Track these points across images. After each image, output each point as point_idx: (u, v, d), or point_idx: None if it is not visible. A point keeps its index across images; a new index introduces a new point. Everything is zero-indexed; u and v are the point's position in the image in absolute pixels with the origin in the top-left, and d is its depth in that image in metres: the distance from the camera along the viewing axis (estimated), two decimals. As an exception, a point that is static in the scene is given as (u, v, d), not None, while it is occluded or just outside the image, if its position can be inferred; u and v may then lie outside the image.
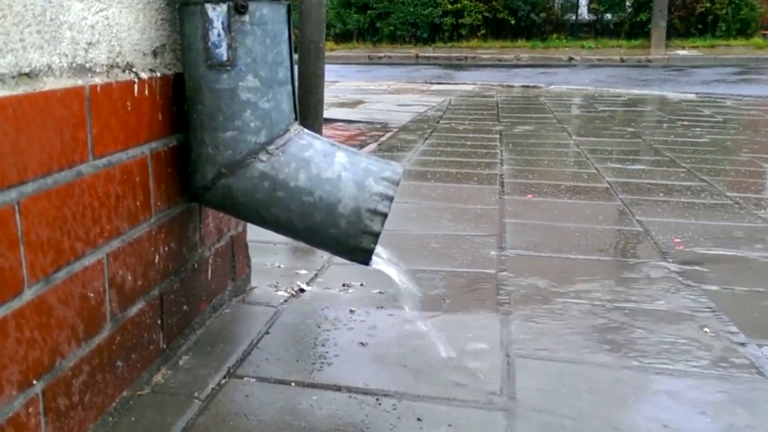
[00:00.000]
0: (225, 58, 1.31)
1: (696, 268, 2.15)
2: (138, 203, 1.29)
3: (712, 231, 2.55)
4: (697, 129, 5.22)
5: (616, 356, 1.56)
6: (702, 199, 3.04)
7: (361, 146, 4.38)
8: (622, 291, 1.95)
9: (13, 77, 0.96)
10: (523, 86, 9.06)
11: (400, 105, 6.77)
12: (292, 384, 1.41)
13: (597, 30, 17.40)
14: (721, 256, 2.27)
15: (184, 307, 1.51)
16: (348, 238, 1.37)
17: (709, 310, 1.82)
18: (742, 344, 1.63)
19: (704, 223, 2.66)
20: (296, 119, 1.42)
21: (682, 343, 1.62)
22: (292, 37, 1.42)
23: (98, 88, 1.15)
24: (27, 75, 0.99)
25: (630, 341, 1.63)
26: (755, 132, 5.13)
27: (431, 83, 9.48)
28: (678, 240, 2.43)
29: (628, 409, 1.35)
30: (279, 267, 2.10)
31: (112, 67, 1.20)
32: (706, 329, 1.70)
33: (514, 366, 1.50)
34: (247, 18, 1.30)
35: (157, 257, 1.37)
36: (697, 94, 8.03)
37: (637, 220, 2.68)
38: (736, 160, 4.07)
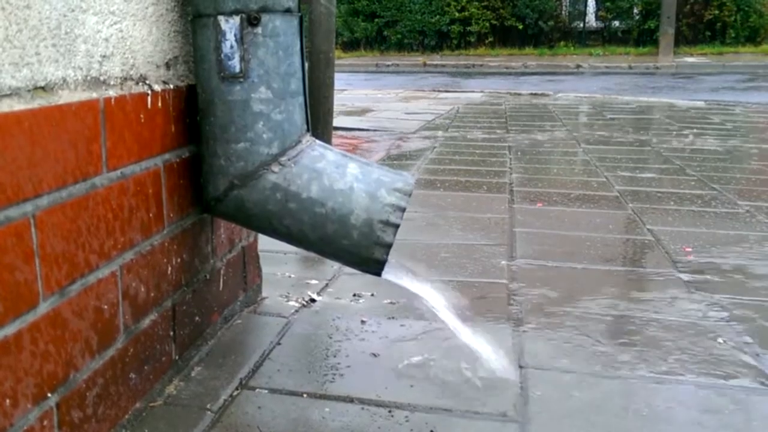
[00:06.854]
0: (238, 69, 1.31)
1: (708, 277, 2.14)
2: (151, 215, 1.29)
3: (724, 240, 2.53)
4: (707, 137, 5.21)
5: (630, 367, 1.55)
6: (713, 208, 3.02)
7: (370, 155, 4.38)
8: (634, 301, 1.94)
9: (29, 91, 0.97)
10: (531, 94, 9.05)
11: (408, 113, 6.78)
12: (305, 395, 1.41)
13: (605, 37, 17.38)
14: (732, 265, 2.26)
15: (197, 318, 1.51)
16: (360, 249, 1.37)
17: (723, 320, 1.81)
18: (757, 355, 1.62)
19: (715, 231, 2.65)
20: (308, 130, 1.42)
21: (696, 354, 1.61)
22: (304, 48, 1.42)
23: (112, 101, 1.15)
24: (42, 89, 0.99)
25: (643, 352, 1.62)
26: (765, 139, 5.11)
27: (439, 91, 9.49)
28: (689, 249, 2.42)
29: (643, 421, 1.34)
30: (290, 277, 2.10)
31: (125, 79, 1.21)
32: (719, 340, 1.69)
33: (527, 377, 1.50)
34: (259, 30, 1.30)
35: (169, 269, 1.37)
36: (706, 101, 8.01)
37: (648, 229, 2.67)
38: (746, 168, 4.05)
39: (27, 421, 0.97)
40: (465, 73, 13.96)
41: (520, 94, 9.01)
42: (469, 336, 1.58)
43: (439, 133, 5.39)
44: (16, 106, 0.93)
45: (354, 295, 1.96)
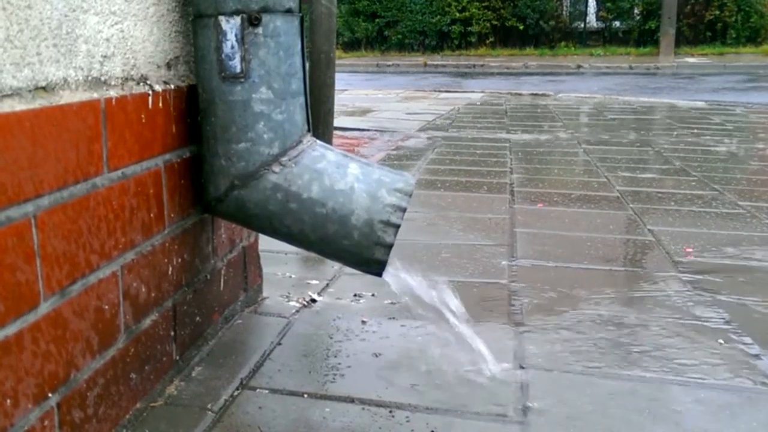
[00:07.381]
0: (238, 70, 1.31)
1: (709, 278, 2.14)
2: (152, 215, 1.29)
3: (725, 240, 2.53)
4: (708, 137, 5.21)
5: (631, 368, 1.55)
6: (713, 208, 3.02)
7: (370, 155, 4.38)
8: (635, 302, 1.94)
9: (30, 91, 0.97)
10: (532, 94, 9.05)
11: (408, 113, 6.78)
12: (305, 396, 1.40)
13: (605, 38, 17.39)
14: (733, 266, 2.26)
15: (197, 318, 1.51)
16: (361, 250, 1.37)
17: (723, 321, 1.81)
18: (757, 356, 1.61)
19: (716, 232, 2.65)
20: (309, 130, 1.42)
21: (697, 355, 1.61)
22: (305, 48, 1.42)
23: (113, 101, 1.15)
24: (43, 89, 0.99)
25: (644, 353, 1.62)
26: (766, 140, 5.10)
27: (439, 91, 9.49)
28: (690, 249, 2.42)
29: (644, 422, 1.34)
30: (290, 277, 2.10)
31: (126, 79, 1.21)
32: (720, 341, 1.69)
33: (528, 378, 1.49)
34: (260, 30, 1.30)
35: (170, 269, 1.37)
36: (706, 101, 8.01)
37: (649, 230, 2.67)
38: (747, 169, 4.05)
39: (28, 421, 0.97)
40: (466, 73, 13.96)
41: (520, 95, 9.01)
42: (469, 337, 1.58)
43: (440, 133, 5.39)
44: (18, 106, 0.93)
45: (355, 295, 1.96)
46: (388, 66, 15.49)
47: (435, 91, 9.59)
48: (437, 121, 6.12)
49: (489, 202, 3.11)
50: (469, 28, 17.17)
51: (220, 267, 1.63)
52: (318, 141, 1.44)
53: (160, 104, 1.31)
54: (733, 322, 1.80)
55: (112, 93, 1.15)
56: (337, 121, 4.59)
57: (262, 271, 1.92)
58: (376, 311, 1.85)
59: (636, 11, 16.95)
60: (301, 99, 1.39)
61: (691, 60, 14.87)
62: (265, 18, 1.30)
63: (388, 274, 1.43)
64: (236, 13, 1.29)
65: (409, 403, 1.38)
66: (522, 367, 1.54)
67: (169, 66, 1.35)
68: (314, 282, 2.06)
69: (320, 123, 3.23)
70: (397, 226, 1.36)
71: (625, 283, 2.11)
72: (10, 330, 0.93)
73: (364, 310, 1.86)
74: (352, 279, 2.06)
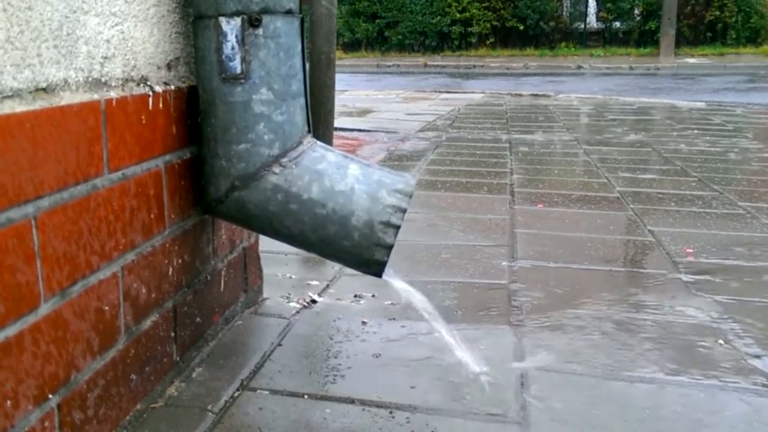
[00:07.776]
0: (239, 71, 1.31)
1: (709, 278, 2.14)
2: (152, 216, 1.29)
3: (725, 241, 2.53)
4: (708, 137, 5.21)
5: (630, 369, 1.55)
6: (714, 209, 3.02)
7: (371, 156, 4.38)
8: (635, 302, 1.94)
9: (30, 92, 0.97)
10: (532, 95, 9.05)
11: (408, 114, 6.78)
12: (305, 396, 1.41)
13: (606, 38, 17.39)
14: (733, 266, 2.26)
15: (197, 319, 1.51)
16: (361, 251, 1.37)
17: (723, 321, 1.81)
18: (757, 356, 1.61)
19: (716, 232, 2.65)
20: (309, 131, 1.42)
21: (697, 356, 1.61)
22: (305, 49, 1.42)
23: (113, 102, 1.15)
24: (44, 90, 0.99)
25: (643, 353, 1.62)
26: (766, 140, 5.10)
27: (440, 92, 9.49)
28: (690, 250, 2.42)
29: (644, 422, 1.34)
30: (290, 278, 2.10)
31: (127, 80, 1.21)
32: (720, 341, 1.69)
33: (528, 378, 1.50)
34: (260, 31, 1.30)
35: (170, 269, 1.37)
36: (706, 102, 8.01)
37: (649, 230, 2.67)
38: (747, 169, 4.05)
39: (28, 423, 0.97)
40: (466, 74, 13.96)
41: (521, 95, 9.01)
42: (470, 337, 1.58)
43: (440, 134, 5.39)
44: (18, 107, 0.93)
45: (355, 296, 1.96)
46: (389, 67, 15.49)
47: (435, 91, 9.59)
48: (437, 122, 6.13)
49: (489, 202, 3.11)
50: (470, 29, 17.17)
51: (221, 268, 1.63)
52: (318, 142, 1.44)
53: (161, 105, 1.31)
54: (732, 322, 1.80)
55: (113, 94, 1.15)
56: (338, 122, 4.59)
57: (263, 272, 1.92)
58: (376, 312, 1.85)
59: (636, 12, 16.95)
60: (302, 100, 1.39)
61: (691, 60, 14.87)
62: (266, 19, 1.30)
63: (388, 276, 1.43)
64: (236, 14, 1.29)
65: (409, 403, 1.38)
66: (522, 368, 1.54)
67: (169, 67, 1.35)
68: (314, 283, 2.06)
69: (320, 124, 3.23)
70: (398, 227, 1.36)
71: (626, 283, 2.11)
72: (11, 331, 0.93)
73: (365, 311, 1.86)
74: (352, 280, 2.06)
